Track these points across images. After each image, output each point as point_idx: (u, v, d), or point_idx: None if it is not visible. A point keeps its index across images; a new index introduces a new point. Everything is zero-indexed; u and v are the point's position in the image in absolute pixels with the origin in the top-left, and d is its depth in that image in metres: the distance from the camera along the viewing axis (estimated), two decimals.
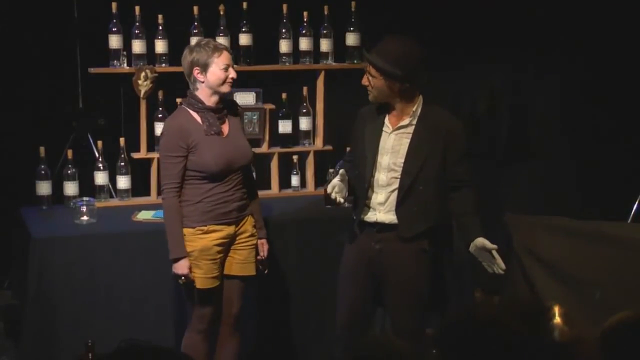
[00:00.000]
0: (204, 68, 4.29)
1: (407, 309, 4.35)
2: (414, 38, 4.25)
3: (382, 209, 4.31)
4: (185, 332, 4.47)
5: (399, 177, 4.26)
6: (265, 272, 4.60)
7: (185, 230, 4.30)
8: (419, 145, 4.24)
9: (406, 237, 4.27)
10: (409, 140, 4.26)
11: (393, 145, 4.28)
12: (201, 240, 4.30)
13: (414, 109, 4.27)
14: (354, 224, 4.39)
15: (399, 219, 4.28)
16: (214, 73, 4.29)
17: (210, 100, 4.34)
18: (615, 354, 2.45)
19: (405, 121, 4.28)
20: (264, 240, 4.55)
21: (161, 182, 4.37)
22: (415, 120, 4.27)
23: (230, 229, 4.37)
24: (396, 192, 4.27)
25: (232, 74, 4.33)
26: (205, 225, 4.30)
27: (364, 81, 4.28)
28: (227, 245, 4.38)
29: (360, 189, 4.34)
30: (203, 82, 4.31)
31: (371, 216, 4.33)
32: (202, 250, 4.30)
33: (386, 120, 4.31)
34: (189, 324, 4.45)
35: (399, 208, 4.27)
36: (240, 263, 4.43)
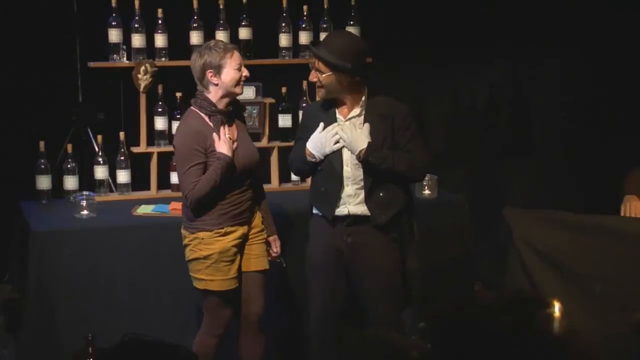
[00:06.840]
0: (218, 70, 4.26)
1: (383, 301, 4.37)
2: (355, 33, 4.26)
3: (351, 201, 4.33)
4: (198, 335, 4.47)
5: (362, 166, 4.29)
6: (284, 265, 4.67)
7: (203, 234, 4.31)
8: (373, 133, 4.27)
9: (381, 225, 4.30)
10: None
11: None
12: (219, 242, 4.32)
13: (362, 99, 4.31)
14: (315, 218, 4.43)
15: (370, 209, 4.31)
16: (228, 74, 4.27)
17: (221, 103, 4.33)
18: None
19: (356, 111, 4.32)
20: (275, 237, 4.60)
21: (183, 193, 4.30)
22: (364, 109, 4.31)
23: (244, 229, 4.40)
24: (363, 182, 4.31)
25: (245, 72, 4.34)
26: (222, 228, 4.32)
27: (313, 77, 4.27)
28: (241, 245, 4.41)
29: (332, 183, 4.34)
30: (217, 84, 4.28)
31: (343, 209, 4.35)
32: (220, 253, 4.32)
33: (337, 113, 4.34)
34: (203, 326, 4.45)
35: (368, 198, 4.30)
36: (255, 258, 4.47)
